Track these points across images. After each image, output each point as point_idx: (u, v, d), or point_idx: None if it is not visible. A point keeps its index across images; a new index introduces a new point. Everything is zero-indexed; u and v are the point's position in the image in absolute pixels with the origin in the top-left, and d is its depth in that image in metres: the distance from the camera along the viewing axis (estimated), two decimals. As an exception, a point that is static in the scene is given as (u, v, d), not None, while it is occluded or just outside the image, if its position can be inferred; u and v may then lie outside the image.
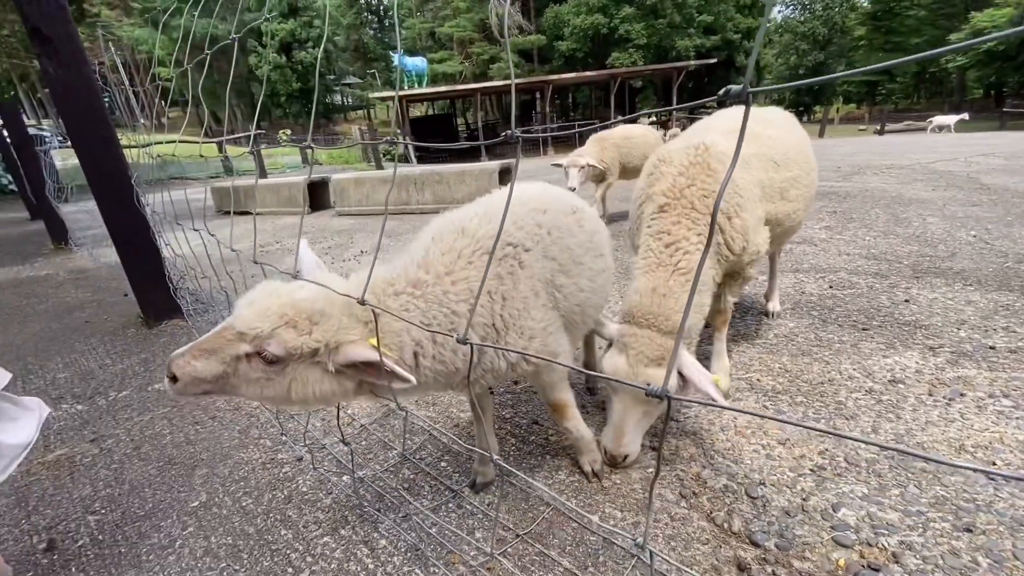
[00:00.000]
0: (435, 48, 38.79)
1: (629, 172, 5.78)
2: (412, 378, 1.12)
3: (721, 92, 0.51)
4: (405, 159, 19.54)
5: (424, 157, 20.18)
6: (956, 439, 1.80)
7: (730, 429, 1.97)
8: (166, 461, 2.07)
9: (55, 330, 3.83)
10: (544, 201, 1.57)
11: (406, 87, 26.88)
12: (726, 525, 1.53)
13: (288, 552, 1.57)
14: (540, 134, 0.67)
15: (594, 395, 2.29)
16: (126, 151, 3.78)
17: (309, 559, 1.54)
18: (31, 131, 8.25)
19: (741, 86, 0.49)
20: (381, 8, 45.47)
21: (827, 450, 1.80)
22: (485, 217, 1.45)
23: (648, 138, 5.76)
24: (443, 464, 1.94)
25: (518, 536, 1.55)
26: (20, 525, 1.78)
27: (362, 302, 1.11)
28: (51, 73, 3.36)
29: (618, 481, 1.75)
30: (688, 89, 35.19)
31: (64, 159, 12.75)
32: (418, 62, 28.51)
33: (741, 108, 2.29)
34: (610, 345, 1.71)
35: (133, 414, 2.47)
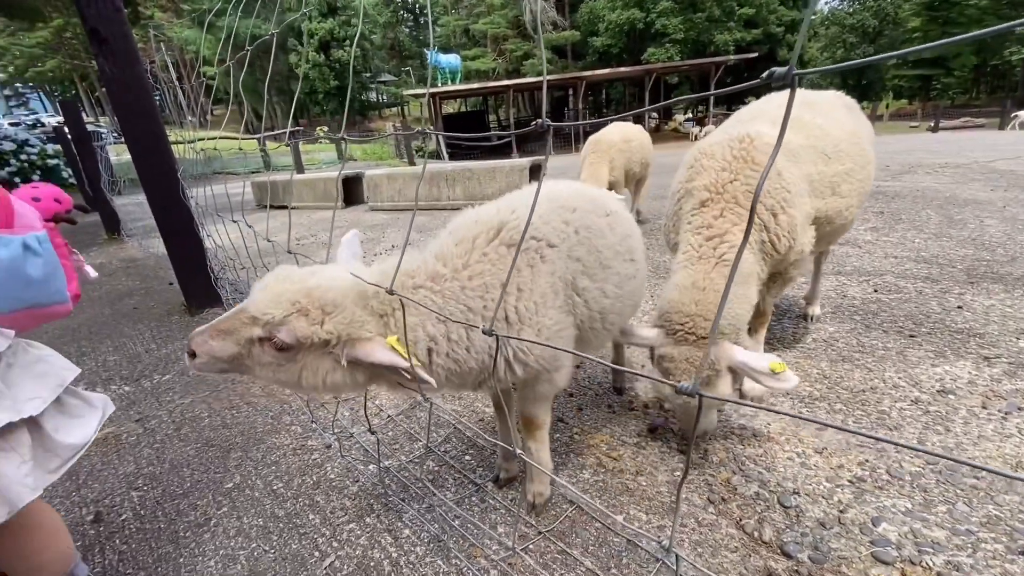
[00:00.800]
0: (469, 45, 38.97)
1: (629, 181, 5.18)
2: (433, 381, 1.12)
3: (765, 75, 0.48)
4: (437, 156, 19.74)
5: (456, 154, 20.32)
6: (1013, 456, 1.68)
7: (763, 435, 1.91)
8: (204, 443, 2.16)
9: (106, 315, 4.04)
10: (576, 200, 1.52)
11: (439, 84, 27.14)
12: (756, 534, 1.48)
13: (315, 536, 1.61)
14: (571, 123, 0.64)
15: (621, 395, 2.26)
16: (173, 147, 3.95)
17: (335, 544, 1.57)
18: (89, 127, 8.71)
19: (787, 68, 0.46)
20: (417, 6, 46.00)
21: (867, 461, 1.72)
22: (507, 208, 1.41)
23: (644, 140, 5.18)
24: (467, 458, 1.95)
25: (540, 533, 1.54)
26: (71, 497, 1.89)
27: (391, 292, 1.12)
28: (107, 72, 3.53)
29: (644, 483, 1.71)
30: (726, 85, 34.17)
31: (118, 154, 13.44)
32: (452, 59, 28.74)
33: (801, 95, 2.14)
34: (652, 353, 1.66)
35: (175, 397, 2.58)
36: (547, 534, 1.53)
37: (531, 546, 1.50)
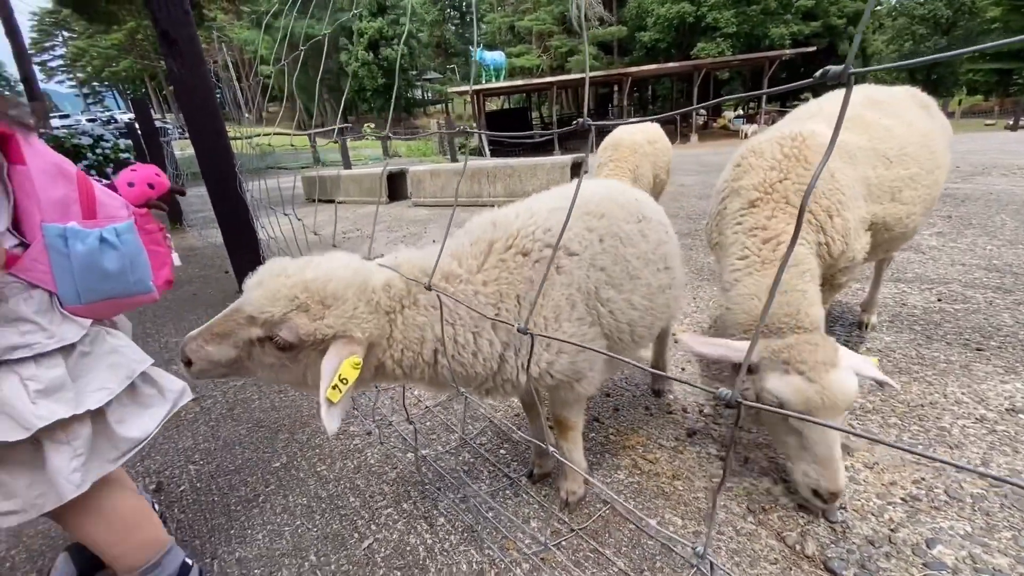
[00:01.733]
0: (514, 42, 39.01)
1: (656, 190, 4.26)
2: (332, 427, 1.04)
3: (819, 74, 0.47)
4: (480, 153, 19.90)
5: (498, 151, 20.42)
6: (1090, 482, 1.55)
7: (809, 445, 1.83)
8: (254, 423, 2.28)
9: (169, 300, 4.32)
10: (605, 205, 1.44)
11: (483, 82, 27.32)
12: (798, 547, 1.43)
13: (355, 518, 1.67)
14: (613, 122, 0.64)
15: (660, 397, 2.22)
16: (232, 142, 4.16)
17: (373, 527, 1.63)
18: (156, 123, 9.32)
19: (842, 67, 0.45)
20: (463, 4, 46.43)
21: (923, 479, 1.62)
22: (526, 212, 1.36)
23: (667, 141, 4.40)
24: (502, 451, 1.97)
25: (573, 531, 1.54)
26: (136, 468, 2.04)
27: (429, 287, 1.13)
28: (175, 72, 3.75)
29: (680, 488, 1.69)
30: (781, 81, 32.73)
31: (182, 149, 14.29)
32: (496, 56, 28.86)
33: (864, 91, 2.02)
34: (751, 370, 1.44)
35: (227, 380, 2.74)
36: (580, 532, 1.53)
37: (563, 543, 1.50)
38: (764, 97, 22.87)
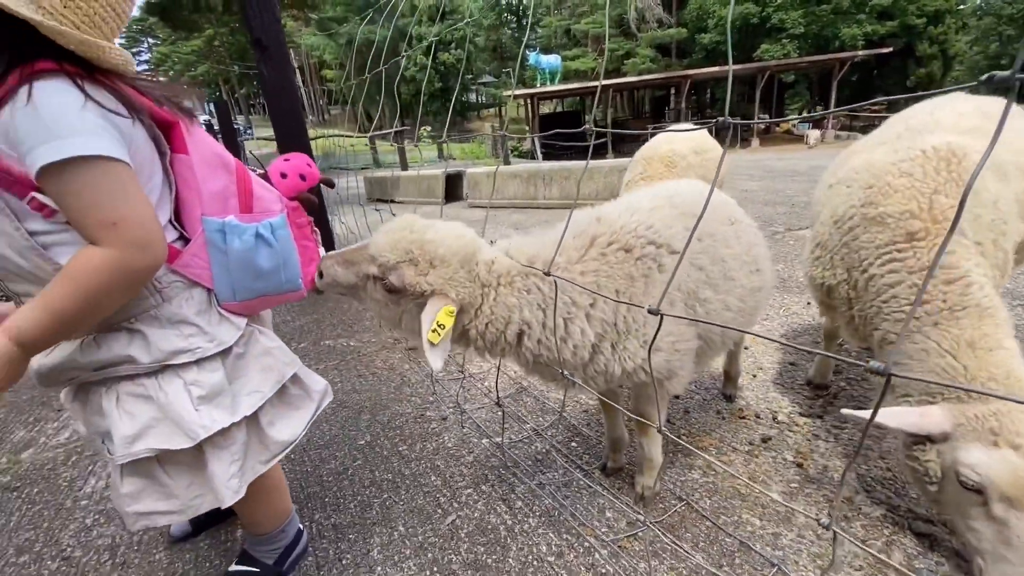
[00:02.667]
0: (570, 45, 38.96)
1: None
2: (437, 365, 1.16)
3: (983, 78, 0.49)
4: (532, 156, 20.02)
5: (550, 154, 20.47)
6: None
7: (891, 456, 1.79)
8: (338, 404, 2.45)
9: (249, 288, 4.65)
10: (699, 205, 1.49)
11: (538, 85, 27.44)
12: (884, 555, 1.41)
13: (438, 496, 1.78)
14: (752, 122, 0.65)
15: (731, 402, 2.21)
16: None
17: (456, 505, 1.73)
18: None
19: (1009, 72, 0.47)
20: (520, 8, 46.81)
21: (1022, 500, 1.55)
22: (627, 210, 1.41)
23: (719, 152, 3.67)
24: (573, 444, 2.03)
25: (647, 524, 1.58)
26: (236, 436, 2.24)
27: (547, 273, 1.21)
28: (265, 75, 4.05)
29: (757, 491, 1.69)
30: (851, 83, 30.99)
31: (260, 148, 15.22)
32: (552, 60, 28.92)
33: (973, 101, 1.78)
34: (933, 439, 1.24)
35: (311, 363, 2.94)
36: (655, 525, 1.57)
37: (639, 533, 1.55)
38: (832, 101, 21.75)
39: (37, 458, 2.20)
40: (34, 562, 1.63)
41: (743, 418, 2.10)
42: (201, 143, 1.07)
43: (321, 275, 1.27)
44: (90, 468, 2.10)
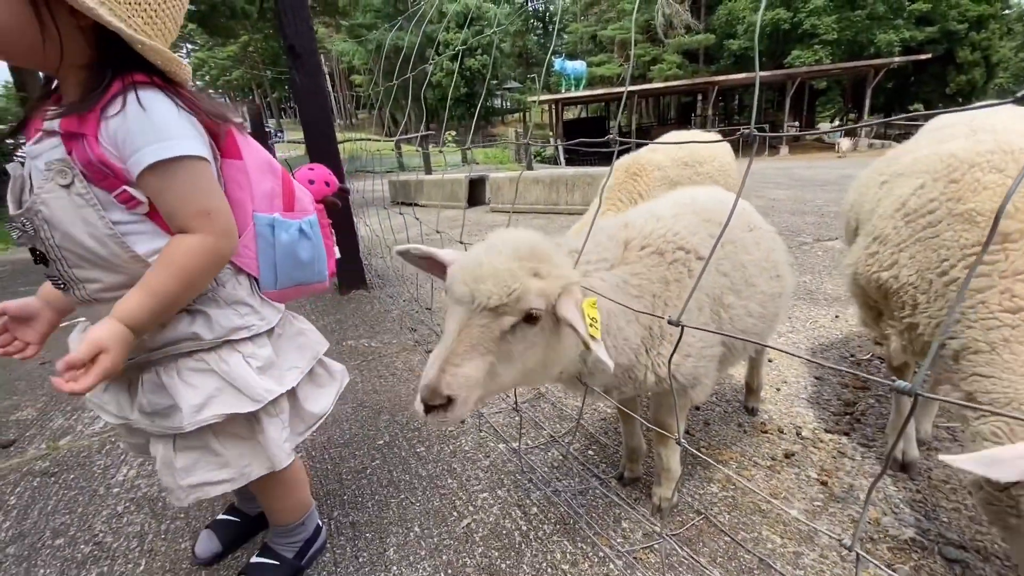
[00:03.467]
0: (596, 51, 38.92)
1: None
2: (611, 362, 1.04)
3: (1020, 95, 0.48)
4: (555, 161, 20.03)
5: (573, 160, 20.44)
6: None
7: (922, 479, 1.73)
8: (358, 403, 2.49)
9: (276, 287, 4.77)
10: (720, 212, 1.48)
11: (562, 90, 27.46)
12: (912, 581, 1.36)
13: (453, 498, 1.80)
14: (779, 135, 0.66)
15: (753, 416, 2.17)
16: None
17: (471, 508, 1.74)
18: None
19: None
20: (547, 14, 47.01)
21: (1062, 529, 1.48)
22: (652, 216, 1.42)
23: (724, 162, 3.27)
24: (590, 452, 2.02)
25: (662, 536, 1.56)
26: (260, 432, 2.30)
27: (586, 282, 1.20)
28: (297, 81, 4.15)
29: (780, 507, 1.65)
30: (886, 90, 30.12)
31: (281, 152, 15.63)
32: (577, 66, 28.90)
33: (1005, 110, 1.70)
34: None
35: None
36: (672, 538, 1.55)
37: (655, 545, 1.53)
38: (866, 109, 21.18)
39: (74, 445, 2.30)
40: (68, 545, 1.70)
41: (765, 432, 2.06)
42: (254, 150, 1.21)
43: (448, 403, 0.97)
44: (123, 457, 2.18)
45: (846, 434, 2.01)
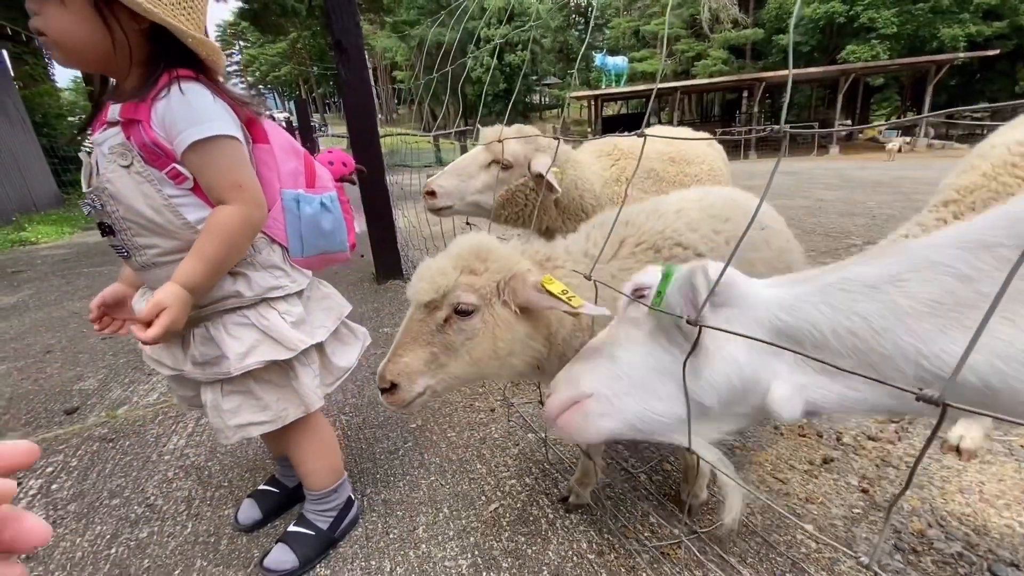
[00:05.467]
0: (638, 47, 38.24)
1: None
2: (605, 310, 1.06)
3: None
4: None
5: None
6: None
7: (972, 492, 1.64)
8: (392, 388, 2.55)
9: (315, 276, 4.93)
10: (729, 210, 1.44)
11: (603, 86, 27.14)
12: (957, 596, 1.30)
13: (482, 483, 1.83)
14: (809, 131, 0.63)
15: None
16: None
17: (499, 493, 1.76)
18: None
19: None
20: (589, 9, 46.48)
21: None
22: (654, 213, 1.39)
23: (715, 166, 2.88)
24: (619, 446, 2.01)
25: (694, 533, 1.54)
26: (299, 411, 2.40)
27: (588, 277, 1.21)
28: (343, 76, 4.27)
29: (815, 511, 1.61)
30: (949, 88, 28.36)
31: (324, 144, 16.09)
32: (619, 61, 28.52)
33: None
34: None
35: (369, 347, 3.07)
36: (702, 535, 1.53)
37: (685, 541, 1.51)
38: (926, 107, 19.99)
39: (130, 415, 2.46)
40: (123, 506, 1.82)
41: (803, 436, 2.00)
42: (278, 135, 1.37)
43: (393, 387, 1.08)
44: (173, 427, 2.31)
45: (892, 443, 1.93)
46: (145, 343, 1.05)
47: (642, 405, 0.88)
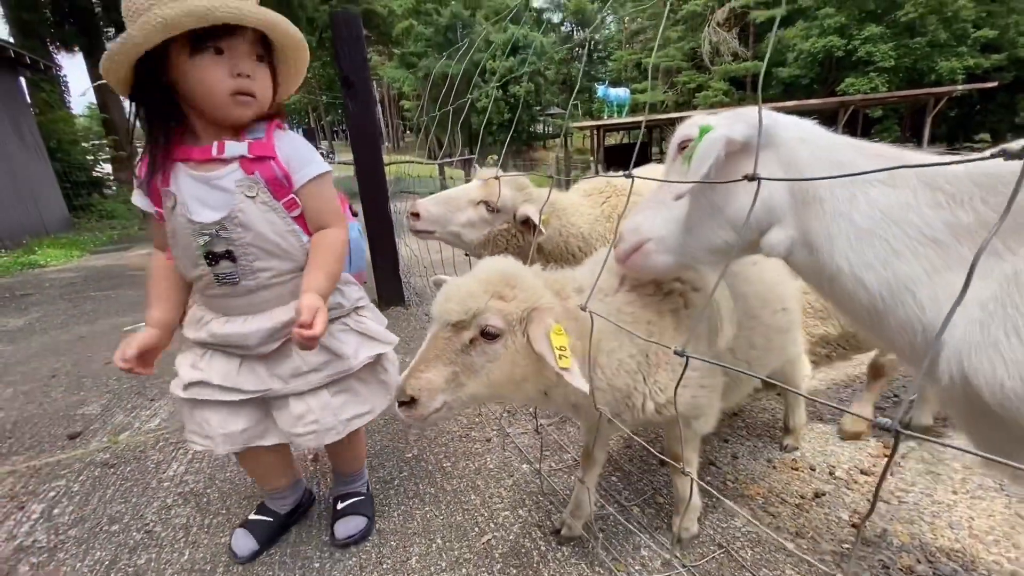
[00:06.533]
0: (640, 78, 39.18)
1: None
2: (584, 386, 1.11)
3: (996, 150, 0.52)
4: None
5: (614, 184, 20.43)
6: None
7: (962, 527, 1.65)
8: (390, 416, 2.58)
9: (320, 301, 5.00)
10: None
11: (605, 117, 27.71)
12: (945, 635, 1.30)
13: (475, 514, 1.84)
14: (784, 179, 0.67)
15: (787, 452, 2.12)
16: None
17: (492, 525, 1.78)
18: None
19: (1021, 144, 0.50)
20: (591, 42, 47.81)
21: (1120, 594, 1.38)
22: None
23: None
24: (613, 479, 2.03)
25: (685, 567, 1.55)
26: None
27: (583, 308, 1.26)
28: (350, 109, 4.43)
29: (805, 546, 1.61)
30: (949, 119, 28.78)
31: (332, 172, 16.40)
32: (621, 92, 29.18)
33: None
34: None
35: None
36: (691, 569, 1.54)
37: (674, 574, 1.52)
38: (926, 139, 20.27)
39: (132, 440, 2.49)
40: (122, 531, 1.84)
41: (796, 469, 2.01)
42: None
43: (412, 401, 1.10)
44: (174, 454, 2.35)
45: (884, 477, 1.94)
46: (315, 338, 1.22)
47: (687, 242, 1.11)
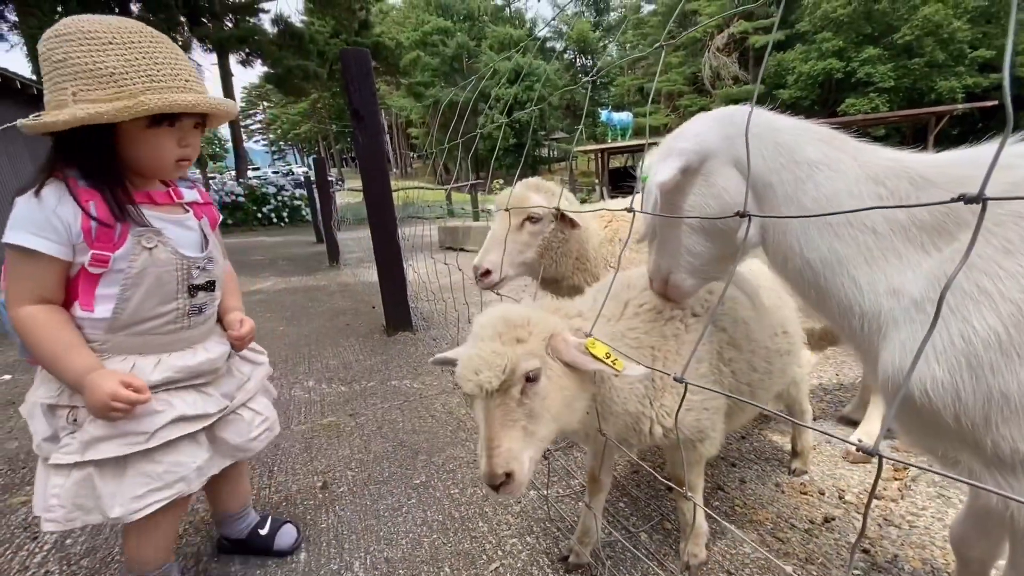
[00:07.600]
0: (642, 103, 39.85)
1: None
2: (640, 371, 1.17)
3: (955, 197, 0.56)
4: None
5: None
6: None
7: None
8: (398, 443, 2.60)
9: (327, 328, 5.05)
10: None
11: (608, 140, 28.10)
12: (960, 665, 1.28)
13: (483, 542, 1.84)
14: (768, 215, 0.71)
15: (795, 476, 2.11)
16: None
17: (500, 553, 1.78)
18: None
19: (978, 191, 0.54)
20: (595, 71, 48.87)
21: None
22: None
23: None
24: (621, 504, 2.02)
25: (693, 595, 1.54)
26: (308, 466, 2.45)
27: (588, 334, 1.30)
28: (360, 141, 4.57)
29: (815, 572, 1.60)
30: (951, 137, 28.89)
31: (341, 199, 16.70)
32: (623, 117, 29.62)
33: None
34: None
35: (377, 400, 3.15)
36: (700, 597, 1.53)
37: (683, 604, 1.51)
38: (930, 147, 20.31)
39: (144, 469, 2.52)
40: None
41: (805, 494, 2.00)
42: None
43: (509, 476, 1.06)
44: (184, 482, 2.37)
45: (894, 501, 1.92)
46: (245, 336, 1.59)
47: (690, 261, 1.26)
